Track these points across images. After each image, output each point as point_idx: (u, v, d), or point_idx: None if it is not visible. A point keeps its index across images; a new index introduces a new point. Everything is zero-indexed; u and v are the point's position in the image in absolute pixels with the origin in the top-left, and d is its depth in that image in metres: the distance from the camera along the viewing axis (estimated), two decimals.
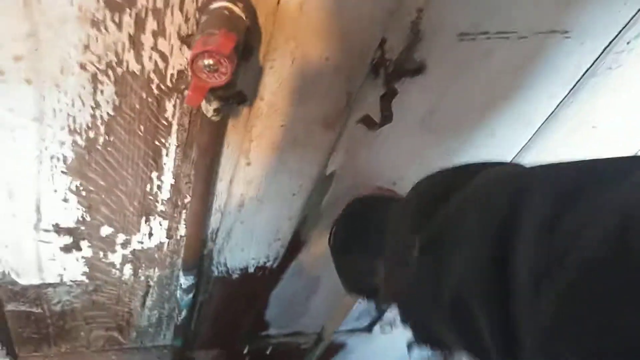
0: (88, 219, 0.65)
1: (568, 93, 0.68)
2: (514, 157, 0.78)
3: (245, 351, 1.05)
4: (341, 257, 0.62)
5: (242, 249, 0.76)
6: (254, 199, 0.67)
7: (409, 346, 0.55)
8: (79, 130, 0.54)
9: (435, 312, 0.38)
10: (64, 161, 0.57)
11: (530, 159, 0.79)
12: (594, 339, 0.25)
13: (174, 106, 0.54)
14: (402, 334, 1.23)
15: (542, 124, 0.73)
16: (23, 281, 0.72)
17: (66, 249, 0.68)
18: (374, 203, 0.60)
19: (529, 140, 0.75)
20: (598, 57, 0.64)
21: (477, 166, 0.43)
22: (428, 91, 0.63)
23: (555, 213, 0.28)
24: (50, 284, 0.74)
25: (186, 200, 0.66)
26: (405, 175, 0.75)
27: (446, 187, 0.42)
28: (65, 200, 0.61)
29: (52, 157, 0.56)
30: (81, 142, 0.55)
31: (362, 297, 0.59)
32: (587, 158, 0.33)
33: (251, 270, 0.82)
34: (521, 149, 0.77)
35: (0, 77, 0.47)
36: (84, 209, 0.63)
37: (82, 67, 0.48)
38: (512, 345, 0.30)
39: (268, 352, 1.09)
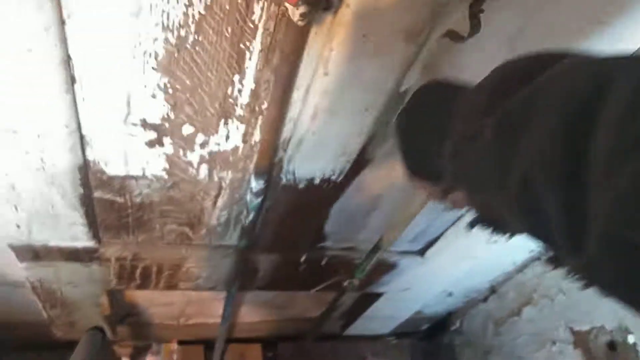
0: (172, 116, 0.69)
1: None
2: None
3: (302, 259, 1.11)
4: (406, 136, 0.58)
5: (310, 160, 0.79)
6: (327, 111, 0.69)
7: (471, 225, 0.54)
8: (171, 28, 0.57)
9: (501, 193, 0.37)
10: (155, 57, 0.60)
11: None
12: None
13: (262, 9, 0.55)
14: (452, 261, 1.26)
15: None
16: (110, 171, 0.78)
17: (150, 143, 0.73)
18: (447, 86, 0.55)
19: None
20: None
21: (560, 52, 0.40)
22: (517, 9, 0.60)
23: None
24: (133, 176, 0.80)
25: (263, 107, 0.69)
26: None
27: (528, 70, 0.40)
28: (153, 96, 0.65)
29: (144, 53, 0.59)
30: (172, 40, 0.58)
31: (426, 180, 0.57)
32: None
33: (317, 181, 0.85)
34: None
35: None
36: (169, 107, 0.67)
37: None
38: (578, 228, 0.30)
39: (323, 263, 1.16)
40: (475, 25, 0.57)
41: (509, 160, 0.36)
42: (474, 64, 0.67)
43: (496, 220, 0.44)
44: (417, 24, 0.57)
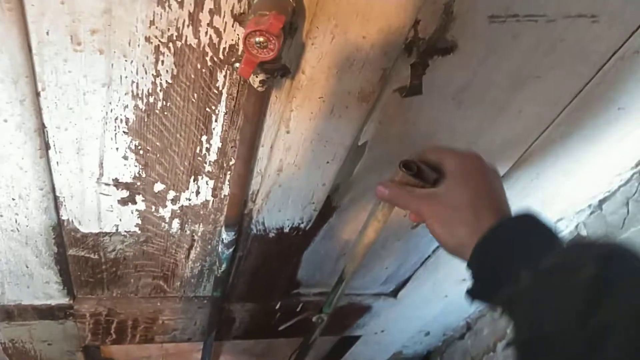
0: (144, 175, 0.72)
1: (595, 74, 0.71)
2: (540, 134, 0.81)
3: (277, 306, 1.13)
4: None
5: (279, 210, 0.83)
6: (291, 165, 0.73)
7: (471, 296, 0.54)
8: (140, 95, 0.61)
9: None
10: (126, 122, 0.64)
11: (557, 136, 0.82)
12: None
13: (225, 77, 0.60)
14: (425, 301, 1.29)
15: (569, 104, 0.76)
16: (84, 229, 0.81)
17: (123, 201, 0.76)
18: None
19: (556, 117, 0.79)
20: (626, 41, 0.66)
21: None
22: (459, 69, 0.67)
23: None
24: (107, 233, 0.83)
25: (231, 163, 0.73)
26: None
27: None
28: (125, 157, 0.69)
29: (116, 119, 0.63)
30: (142, 106, 0.62)
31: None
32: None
33: (286, 230, 0.89)
34: (548, 126, 0.80)
35: (78, 48, 0.54)
36: (140, 167, 0.71)
37: (147, 40, 0.54)
38: None
39: (298, 309, 1.18)
40: (415, 86, 0.63)
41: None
42: (424, 118, 0.73)
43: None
44: (368, 86, 0.62)
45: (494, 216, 0.52)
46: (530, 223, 0.51)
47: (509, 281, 0.48)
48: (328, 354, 1.66)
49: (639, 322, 0.37)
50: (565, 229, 1.25)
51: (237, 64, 0.57)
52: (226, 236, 0.83)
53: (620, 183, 1.11)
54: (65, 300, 0.96)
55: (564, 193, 1.06)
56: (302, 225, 0.89)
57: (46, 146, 0.65)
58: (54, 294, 0.93)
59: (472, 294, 0.55)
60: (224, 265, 0.89)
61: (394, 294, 1.24)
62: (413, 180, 0.58)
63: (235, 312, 1.13)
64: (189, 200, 0.79)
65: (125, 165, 0.70)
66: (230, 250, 0.86)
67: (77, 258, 0.87)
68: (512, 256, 0.49)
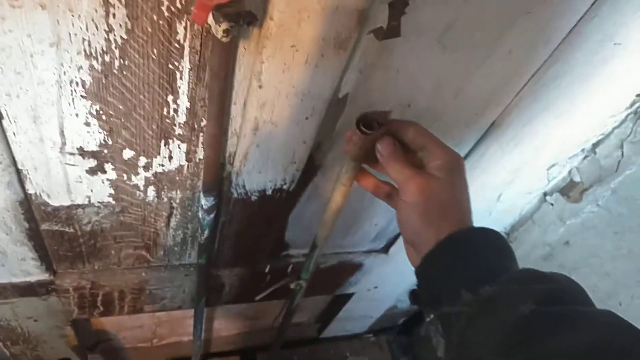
0: (110, 142, 0.67)
1: (590, 7, 0.66)
2: (531, 76, 0.77)
3: (266, 269, 1.11)
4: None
5: (259, 171, 0.79)
6: (267, 122, 0.68)
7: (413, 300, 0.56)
8: (94, 55, 0.55)
9: None
10: (83, 85, 0.58)
11: (549, 77, 0.77)
12: None
13: (185, 28, 0.55)
14: None
15: (562, 41, 0.71)
16: (54, 202, 0.76)
17: (91, 171, 0.72)
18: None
19: (548, 57, 0.74)
20: None
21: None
22: (442, 7, 0.61)
23: None
24: (79, 205, 0.78)
25: (202, 124, 0.68)
26: (419, 96, 0.74)
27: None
28: (87, 124, 0.64)
29: (71, 82, 0.58)
30: (98, 67, 0.57)
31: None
32: None
33: (269, 192, 0.85)
34: (540, 68, 0.75)
35: (15, 3, 0.48)
36: (105, 133, 0.66)
37: None
38: None
39: (289, 270, 1.15)
40: (393, 27, 0.58)
41: None
42: (408, 65, 0.68)
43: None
44: (345, 31, 0.57)
45: (456, 224, 0.52)
46: (486, 238, 0.52)
47: (450, 299, 0.49)
48: (323, 312, 1.67)
49: None
50: (558, 175, 1.22)
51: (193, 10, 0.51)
52: (205, 202, 0.79)
53: (614, 125, 1.07)
54: (45, 276, 0.93)
55: (557, 138, 1.02)
56: (285, 187, 0.85)
57: None
58: (32, 271, 0.89)
59: (415, 299, 0.56)
60: (206, 232, 0.85)
61: (385, 250, 1.22)
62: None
63: (224, 277, 1.10)
64: (162, 166, 0.74)
65: (88, 132, 0.65)
66: (211, 216, 0.82)
67: (52, 232, 0.83)
68: (458, 275, 0.49)
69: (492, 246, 0.52)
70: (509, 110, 0.83)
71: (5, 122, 0.61)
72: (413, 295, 0.57)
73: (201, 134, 0.70)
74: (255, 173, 0.79)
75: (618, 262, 1.13)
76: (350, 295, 1.43)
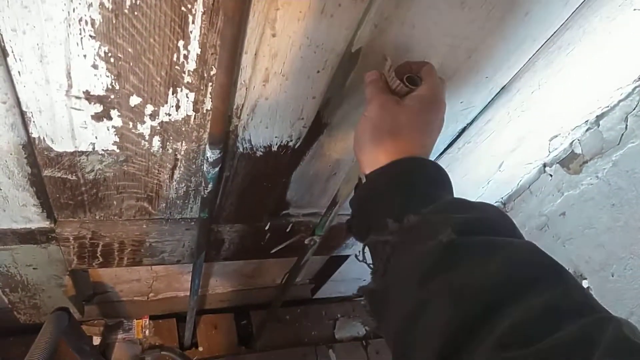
0: (117, 87, 0.66)
1: None
2: (549, 38, 0.75)
3: (266, 227, 1.11)
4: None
5: (266, 126, 0.78)
6: (278, 74, 0.67)
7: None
8: None
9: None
10: (92, 24, 0.57)
11: (563, 43, 0.76)
12: None
13: None
14: None
15: (581, 4, 0.70)
16: (57, 148, 0.75)
17: (97, 117, 0.70)
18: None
19: (565, 22, 0.72)
20: None
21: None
22: None
23: None
24: (83, 152, 0.77)
25: (212, 72, 0.67)
26: (432, 55, 0.73)
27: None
28: (95, 66, 0.62)
29: (80, 20, 0.56)
30: (108, 5, 0.55)
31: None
32: None
33: (274, 148, 0.84)
34: (557, 30, 0.74)
35: None
36: (113, 77, 0.64)
37: None
38: None
39: (288, 230, 1.16)
40: None
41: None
42: (425, 21, 0.67)
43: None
44: None
45: (402, 153, 0.53)
46: (426, 170, 0.53)
47: (378, 228, 0.50)
48: (317, 273, 1.69)
49: (454, 303, 0.39)
50: (559, 146, 1.23)
51: None
52: (211, 154, 0.78)
53: (620, 97, 1.07)
54: (46, 224, 0.92)
55: (564, 107, 1.02)
56: (290, 144, 0.85)
57: (3, 53, 0.58)
58: (33, 218, 0.89)
59: (349, 228, 0.59)
60: (210, 186, 0.85)
61: None
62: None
63: (224, 233, 1.11)
64: (169, 115, 0.73)
65: (95, 75, 0.64)
66: (216, 169, 0.81)
67: (54, 179, 0.82)
68: (389, 204, 0.51)
69: (429, 177, 0.53)
70: (520, 75, 0.82)
71: (10, 60, 0.59)
72: (347, 224, 0.58)
73: (210, 84, 0.68)
74: (262, 128, 0.78)
75: (613, 233, 1.15)
76: (345, 257, 1.44)
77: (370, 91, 0.60)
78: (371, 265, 0.53)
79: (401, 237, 0.47)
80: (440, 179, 0.54)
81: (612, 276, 1.15)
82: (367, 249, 0.55)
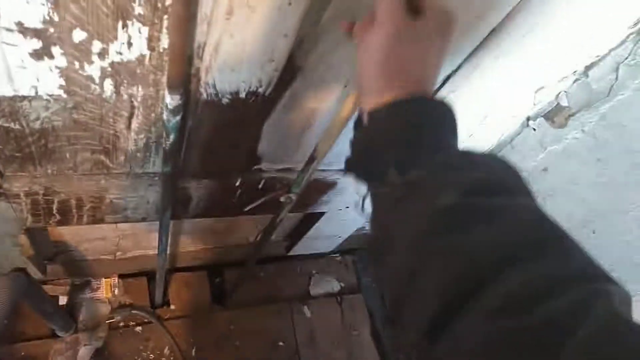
0: (56, 18, 0.57)
1: None
2: None
3: (237, 183, 1.05)
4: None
5: (232, 69, 0.70)
6: (244, 6, 0.59)
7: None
8: None
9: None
10: None
11: None
12: None
13: None
14: None
15: None
16: None
17: (36, 55, 0.61)
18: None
19: None
20: None
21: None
22: None
23: None
24: (25, 97, 0.68)
25: (167, 3, 0.58)
26: None
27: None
28: None
29: None
30: None
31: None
32: None
33: (242, 95, 0.76)
34: None
35: None
36: (50, 5, 0.55)
37: None
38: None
39: (260, 186, 1.09)
40: None
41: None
42: None
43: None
44: None
45: (412, 86, 0.48)
46: (434, 112, 0.48)
47: (379, 177, 0.47)
48: (292, 230, 1.64)
49: (451, 267, 0.38)
50: (544, 99, 1.18)
51: None
52: (171, 100, 0.70)
53: (611, 46, 1.01)
54: None
55: (550, 57, 0.96)
56: (260, 90, 0.77)
57: None
58: None
59: (348, 169, 0.54)
60: (171, 136, 0.77)
61: None
62: None
63: (192, 189, 1.04)
64: (120, 54, 0.64)
65: (28, 2, 0.54)
66: (177, 117, 0.73)
67: None
68: (392, 150, 0.47)
69: (438, 120, 0.49)
70: (513, 15, 0.75)
71: None
72: (347, 162, 0.52)
73: (166, 16, 0.60)
74: (228, 71, 0.70)
75: (597, 189, 1.12)
76: (321, 214, 1.39)
77: (384, 7, 0.49)
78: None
79: (403, 192, 0.45)
80: (449, 122, 0.49)
81: (594, 233, 1.13)
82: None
